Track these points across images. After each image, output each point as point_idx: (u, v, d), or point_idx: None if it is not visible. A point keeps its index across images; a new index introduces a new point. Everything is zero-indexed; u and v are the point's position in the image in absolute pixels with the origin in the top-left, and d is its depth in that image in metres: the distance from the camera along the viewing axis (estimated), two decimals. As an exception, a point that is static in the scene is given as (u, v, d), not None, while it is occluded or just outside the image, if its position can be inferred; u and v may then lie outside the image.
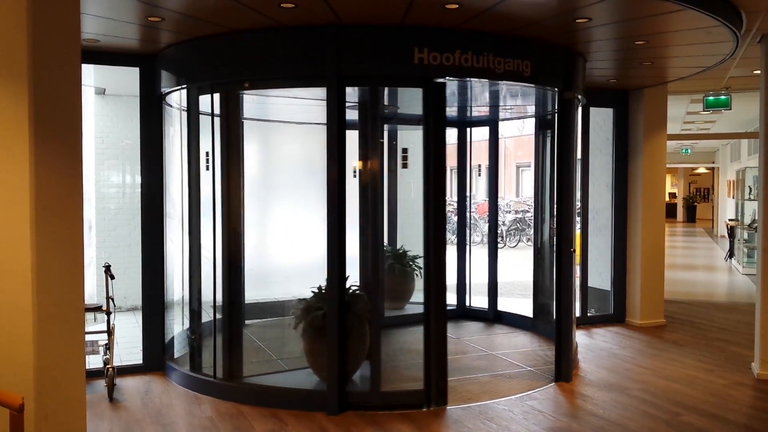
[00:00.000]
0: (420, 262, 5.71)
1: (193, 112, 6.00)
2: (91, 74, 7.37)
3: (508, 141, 25.57)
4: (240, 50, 5.39)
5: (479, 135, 9.13)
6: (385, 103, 6.86)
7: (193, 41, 5.59)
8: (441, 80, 5.33)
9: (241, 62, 5.43)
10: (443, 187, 5.45)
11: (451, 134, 8.83)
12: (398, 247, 8.68)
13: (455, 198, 9.34)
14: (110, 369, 5.55)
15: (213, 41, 5.46)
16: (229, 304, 5.76)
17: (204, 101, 5.97)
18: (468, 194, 9.27)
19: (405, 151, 7.98)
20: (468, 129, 8.99)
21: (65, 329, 3.71)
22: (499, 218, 19.86)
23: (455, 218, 9.28)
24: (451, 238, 9.08)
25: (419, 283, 7.23)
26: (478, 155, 9.79)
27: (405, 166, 7.90)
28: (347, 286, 5.49)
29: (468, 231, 9.51)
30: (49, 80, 3.65)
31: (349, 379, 5.54)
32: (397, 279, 8.40)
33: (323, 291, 5.51)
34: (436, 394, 5.39)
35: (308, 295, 5.65)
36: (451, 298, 8.45)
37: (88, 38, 5.52)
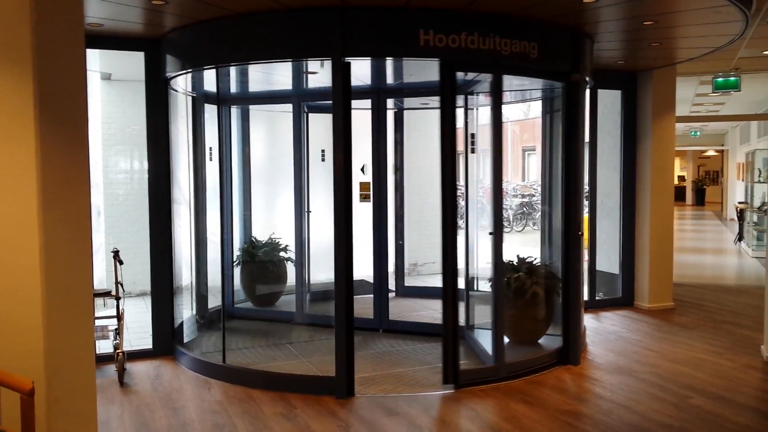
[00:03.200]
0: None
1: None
2: (96, 59, 7.36)
3: (513, 125, 25.39)
4: (244, 33, 5.36)
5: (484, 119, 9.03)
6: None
7: (197, 24, 5.56)
8: (577, 77, 5.92)
9: (245, 45, 5.40)
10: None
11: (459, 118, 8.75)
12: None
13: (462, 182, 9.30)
14: (120, 354, 5.59)
15: (217, 24, 5.43)
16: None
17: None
18: (476, 178, 9.22)
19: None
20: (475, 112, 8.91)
21: (74, 314, 3.72)
22: (506, 202, 19.89)
23: (462, 203, 9.23)
24: (459, 222, 9.04)
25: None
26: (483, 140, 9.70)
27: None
28: (525, 257, 6.43)
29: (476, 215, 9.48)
30: (54, 65, 3.63)
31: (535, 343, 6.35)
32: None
33: (526, 261, 6.45)
34: (574, 355, 6.05)
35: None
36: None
37: (92, 22, 5.50)
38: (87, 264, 3.82)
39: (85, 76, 3.86)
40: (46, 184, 3.59)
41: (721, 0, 4.94)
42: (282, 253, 7.89)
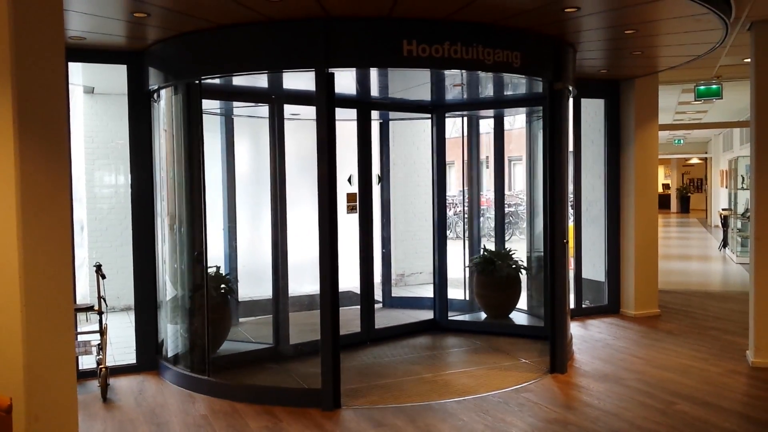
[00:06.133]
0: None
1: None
2: (79, 73, 7.31)
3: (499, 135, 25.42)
4: (227, 45, 5.35)
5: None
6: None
7: (180, 37, 5.54)
8: (559, 86, 5.98)
9: (228, 57, 5.39)
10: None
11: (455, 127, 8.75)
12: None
13: (454, 192, 9.30)
14: (103, 369, 5.52)
15: (200, 37, 5.42)
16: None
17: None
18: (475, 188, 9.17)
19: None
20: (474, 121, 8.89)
21: (54, 329, 3.67)
22: (492, 212, 19.93)
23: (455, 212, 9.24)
24: (457, 231, 9.06)
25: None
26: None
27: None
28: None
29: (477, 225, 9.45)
30: (33, 79, 3.60)
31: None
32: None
33: (491, 251, 8.04)
34: (561, 364, 6.11)
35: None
36: (454, 293, 8.31)
37: (73, 36, 5.47)
38: (68, 279, 3.77)
39: (66, 90, 3.84)
40: (26, 199, 3.55)
41: (701, 8, 4.99)
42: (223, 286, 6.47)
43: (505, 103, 7.89)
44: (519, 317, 8.02)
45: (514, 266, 7.88)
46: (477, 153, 8.62)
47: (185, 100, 5.89)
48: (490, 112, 8.43)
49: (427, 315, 8.05)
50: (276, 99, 6.52)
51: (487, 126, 8.78)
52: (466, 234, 8.53)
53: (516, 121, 11.41)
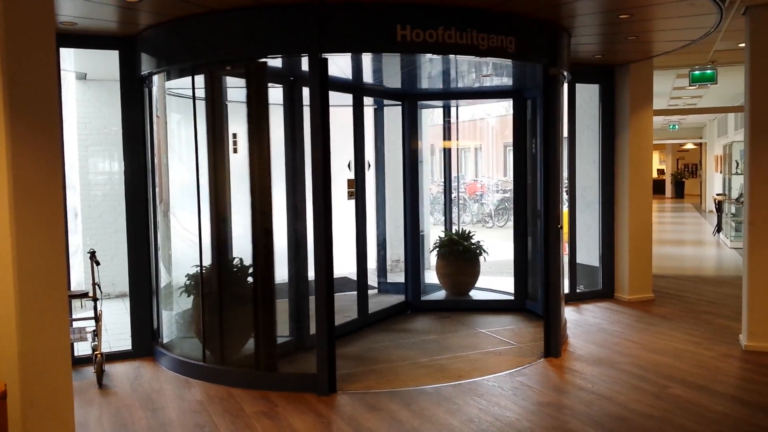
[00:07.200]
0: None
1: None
2: (71, 59, 7.26)
3: (495, 120, 25.52)
4: (220, 30, 5.32)
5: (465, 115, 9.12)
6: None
7: (172, 22, 5.50)
8: (554, 71, 5.93)
9: (220, 42, 5.36)
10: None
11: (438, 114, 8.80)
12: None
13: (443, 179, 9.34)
14: (99, 355, 5.53)
15: (192, 21, 5.38)
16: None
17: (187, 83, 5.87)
18: (456, 174, 9.24)
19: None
20: (455, 109, 8.96)
21: (49, 316, 3.68)
22: (488, 198, 19.97)
23: (442, 198, 9.29)
24: (440, 218, 9.11)
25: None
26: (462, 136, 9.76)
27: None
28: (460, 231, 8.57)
29: (457, 211, 9.55)
30: (24, 65, 3.58)
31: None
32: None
33: (453, 233, 8.66)
34: (555, 348, 6.11)
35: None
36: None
37: (64, 21, 5.43)
38: (61, 265, 3.77)
39: (57, 76, 3.81)
40: (18, 187, 3.54)
41: (695, -8, 4.98)
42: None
43: (478, 94, 8.23)
44: (477, 294, 8.62)
45: (474, 247, 8.44)
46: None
47: (247, 84, 5.63)
48: (458, 102, 8.66)
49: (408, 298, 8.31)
50: (294, 82, 6.42)
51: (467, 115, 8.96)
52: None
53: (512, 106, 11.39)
